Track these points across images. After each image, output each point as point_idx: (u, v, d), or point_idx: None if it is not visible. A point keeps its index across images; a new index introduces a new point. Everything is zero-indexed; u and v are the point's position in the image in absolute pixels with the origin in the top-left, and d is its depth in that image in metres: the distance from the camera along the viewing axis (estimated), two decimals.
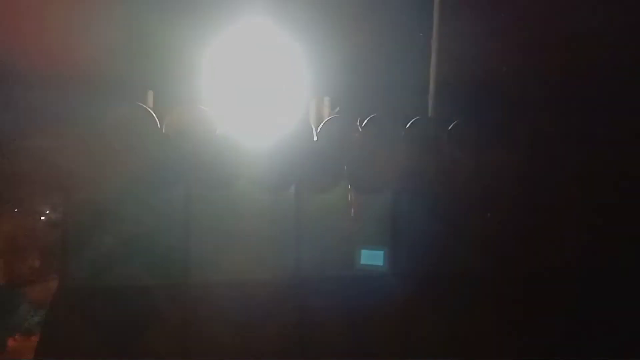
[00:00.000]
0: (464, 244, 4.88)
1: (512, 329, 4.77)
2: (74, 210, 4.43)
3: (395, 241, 4.89)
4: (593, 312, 4.99)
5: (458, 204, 4.92)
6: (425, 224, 4.89)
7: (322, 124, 4.72)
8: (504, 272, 4.90)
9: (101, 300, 4.31)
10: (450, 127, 4.95)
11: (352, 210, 4.83)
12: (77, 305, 4.33)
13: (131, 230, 4.39)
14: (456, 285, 4.83)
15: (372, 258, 4.48)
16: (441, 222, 4.88)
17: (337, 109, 4.98)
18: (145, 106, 4.46)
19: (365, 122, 4.77)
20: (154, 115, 4.41)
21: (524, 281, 4.90)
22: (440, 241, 4.88)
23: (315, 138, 4.68)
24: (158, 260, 4.43)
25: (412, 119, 4.89)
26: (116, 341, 4.26)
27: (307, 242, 4.73)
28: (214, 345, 4.42)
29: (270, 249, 4.65)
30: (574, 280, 5.03)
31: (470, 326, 4.75)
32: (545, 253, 5.05)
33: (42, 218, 7.84)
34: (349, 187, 4.79)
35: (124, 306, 4.33)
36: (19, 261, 7.31)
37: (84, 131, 4.37)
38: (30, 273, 7.25)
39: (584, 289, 5.04)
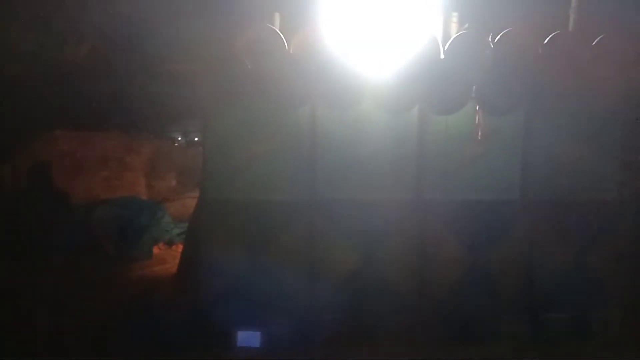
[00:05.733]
0: (604, 169, 4.52)
1: None
2: (212, 131, 4.71)
3: (525, 167, 4.66)
4: None
5: (600, 126, 4.52)
6: (561, 148, 4.58)
7: (449, 41, 4.50)
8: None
9: (235, 214, 4.65)
10: (594, 42, 4.49)
11: (479, 133, 4.64)
12: (214, 217, 4.69)
13: (263, 148, 4.61)
14: (590, 211, 4.53)
15: None
16: (579, 145, 4.53)
17: (466, 25, 4.69)
18: (273, 27, 4.56)
19: (497, 38, 4.48)
20: (282, 36, 4.50)
21: None
22: (577, 166, 4.55)
23: (442, 56, 4.50)
24: (286, 177, 4.65)
25: (551, 33, 4.49)
26: (248, 249, 4.62)
27: (429, 164, 4.67)
28: (336, 258, 4.63)
29: (393, 169, 4.66)
30: None
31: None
32: None
33: (175, 144, 8.63)
34: (477, 108, 4.59)
35: (254, 219, 4.64)
36: (158, 181, 8.18)
37: (217, 53, 4.59)
38: (168, 191, 8.08)
39: None
